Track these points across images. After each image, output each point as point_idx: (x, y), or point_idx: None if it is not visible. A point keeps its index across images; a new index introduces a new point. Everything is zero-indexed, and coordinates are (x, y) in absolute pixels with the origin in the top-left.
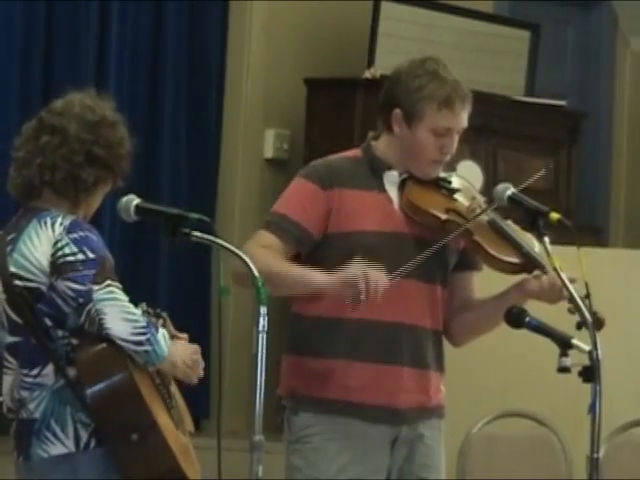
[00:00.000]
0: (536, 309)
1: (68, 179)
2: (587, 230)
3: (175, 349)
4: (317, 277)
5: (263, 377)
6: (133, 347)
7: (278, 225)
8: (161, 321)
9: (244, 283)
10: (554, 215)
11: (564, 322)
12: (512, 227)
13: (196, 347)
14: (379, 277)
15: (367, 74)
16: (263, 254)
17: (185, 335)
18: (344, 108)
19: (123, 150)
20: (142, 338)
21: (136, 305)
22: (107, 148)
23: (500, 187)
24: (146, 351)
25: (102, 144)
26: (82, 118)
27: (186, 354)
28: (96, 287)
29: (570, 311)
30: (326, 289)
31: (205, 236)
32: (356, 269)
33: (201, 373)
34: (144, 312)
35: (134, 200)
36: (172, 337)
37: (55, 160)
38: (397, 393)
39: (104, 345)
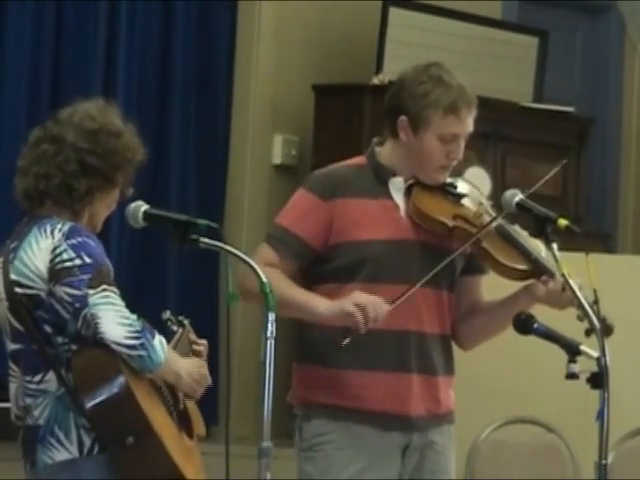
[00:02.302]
0: (544, 315)
1: (62, 188)
2: (595, 236)
3: (181, 361)
4: (319, 306)
5: (271, 383)
6: (127, 351)
7: (278, 239)
8: (180, 330)
9: (253, 300)
10: (562, 221)
11: (572, 328)
12: (519, 232)
13: (202, 361)
14: (377, 305)
15: (375, 80)
16: (269, 274)
17: (204, 341)
18: (352, 114)
19: (121, 159)
20: (136, 342)
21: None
22: (103, 157)
23: (508, 193)
24: (140, 356)
25: (98, 153)
26: (81, 127)
27: (192, 367)
28: (92, 291)
29: (579, 318)
30: (327, 319)
31: (213, 242)
32: (353, 300)
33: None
34: (167, 319)
35: (142, 206)
36: (192, 344)
37: (49, 169)
38: (408, 400)
39: (99, 350)
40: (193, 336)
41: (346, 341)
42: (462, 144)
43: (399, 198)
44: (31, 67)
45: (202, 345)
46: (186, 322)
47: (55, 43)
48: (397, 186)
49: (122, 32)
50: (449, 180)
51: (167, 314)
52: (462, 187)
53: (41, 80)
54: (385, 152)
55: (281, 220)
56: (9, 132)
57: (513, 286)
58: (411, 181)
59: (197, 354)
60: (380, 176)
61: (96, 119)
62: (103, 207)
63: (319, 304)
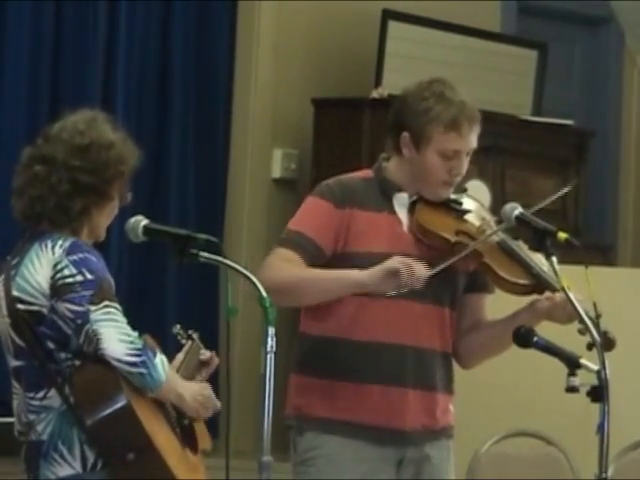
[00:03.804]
0: (545, 329)
1: (58, 209)
2: (595, 249)
3: (185, 383)
4: (356, 274)
5: (271, 397)
6: (127, 368)
7: (295, 242)
8: (190, 343)
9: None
10: (562, 234)
11: (573, 342)
12: (522, 248)
13: (206, 384)
14: (420, 267)
15: (374, 94)
16: (287, 266)
17: (209, 353)
18: (352, 128)
19: (114, 171)
20: (137, 360)
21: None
22: (95, 173)
23: (508, 207)
24: (141, 373)
25: (90, 169)
26: (70, 143)
27: (196, 390)
28: (93, 308)
29: (580, 332)
30: (366, 284)
31: (213, 257)
32: (396, 260)
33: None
34: (177, 333)
35: (142, 221)
36: (199, 356)
37: (43, 191)
38: (403, 415)
39: (101, 366)
40: (202, 349)
41: (393, 293)
42: (465, 160)
43: (402, 213)
44: (30, 67)
45: (209, 357)
46: (195, 336)
47: (54, 44)
48: (401, 201)
49: (121, 33)
50: (453, 196)
51: (177, 328)
52: (467, 203)
53: (40, 80)
54: (391, 168)
55: (296, 226)
56: (9, 132)
57: (520, 303)
58: (415, 197)
59: (205, 364)
60: (385, 191)
61: (85, 134)
62: (103, 219)
63: (354, 272)
